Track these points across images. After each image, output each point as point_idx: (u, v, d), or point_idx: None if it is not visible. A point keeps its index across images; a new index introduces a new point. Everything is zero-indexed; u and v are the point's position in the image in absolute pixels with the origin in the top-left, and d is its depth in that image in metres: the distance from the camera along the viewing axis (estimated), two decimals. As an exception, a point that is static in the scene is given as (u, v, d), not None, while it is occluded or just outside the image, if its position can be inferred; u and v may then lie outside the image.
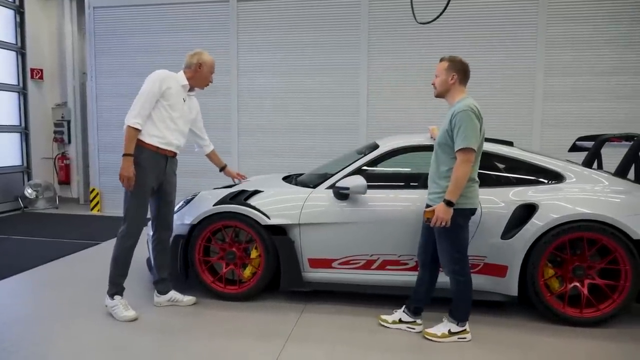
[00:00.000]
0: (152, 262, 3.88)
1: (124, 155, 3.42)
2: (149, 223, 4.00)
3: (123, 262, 3.59)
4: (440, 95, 3.22)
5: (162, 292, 3.82)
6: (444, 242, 3.13)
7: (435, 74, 3.20)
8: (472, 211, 3.14)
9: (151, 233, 3.87)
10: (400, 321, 3.42)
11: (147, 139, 3.51)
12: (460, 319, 3.22)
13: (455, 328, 3.21)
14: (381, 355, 3.05)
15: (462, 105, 2.99)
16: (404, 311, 3.44)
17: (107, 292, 3.61)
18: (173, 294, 3.83)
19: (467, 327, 3.23)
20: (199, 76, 3.69)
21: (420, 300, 3.38)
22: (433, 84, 3.23)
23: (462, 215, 3.07)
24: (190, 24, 7.56)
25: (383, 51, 7.02)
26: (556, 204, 3.43)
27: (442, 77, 3.15)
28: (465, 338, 3.21)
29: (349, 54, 7.12)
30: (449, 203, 2.96)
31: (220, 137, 7.60)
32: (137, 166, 3.46)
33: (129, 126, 3.44)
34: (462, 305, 3.20)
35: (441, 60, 3.20)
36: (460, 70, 3.13)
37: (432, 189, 3.18)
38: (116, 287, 3.60)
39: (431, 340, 3.22)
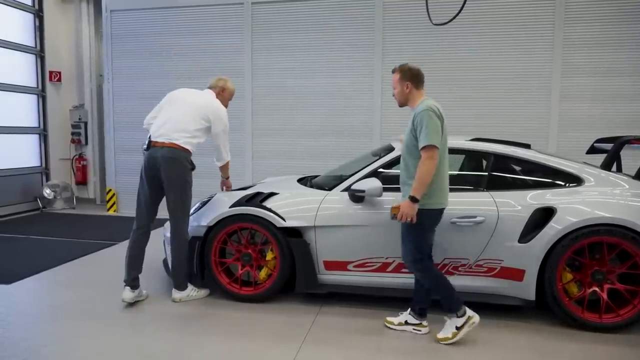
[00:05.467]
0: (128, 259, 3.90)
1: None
2: (166, 224, 4.06)
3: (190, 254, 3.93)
4: (402, 105, 3.31)
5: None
6: (408, 241, 3.19)
7: (393, 86, 3.29)
8: (440, 211, 3.19)
9: (168, 234, 3.92)
10: (407, 323, 3.43)
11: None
12: (453, 309, 3.19)
13: (459, 322, 3.18)
14: (397, 359, 3.04)
15: (422, 106, 3.10)
16: (409, 313, 3.45)
17: (177, 288, 3.90)
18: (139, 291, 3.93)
19: (467, 312, 3.19)
20: (221, 99, 4.10)
21: (422, 301, 3.39)
22: (394, 96, 3.32)
23: (429, 215, 3.13)
24: (205, 26, 7.61)
25: (397, 51, 6.98)
26: (575, 207, 3.39)
27: (398, 88, 3.26)
28: (474, 323, 3.18)
29: (363, 54, 7.11)
30: (413, 199, 3.01)
31: (235, 139, 7.65)
32: (190, 171, 3.85)
33: (228, 161, 4.14)
34: (445, 294, 3.19)
35: (393, 72, 3.30)
36: (413, 77, 3.21)
37: (405, 191, 3.19)
38: (186, 277, 3.94)
39: (447, 344, 3.19)
